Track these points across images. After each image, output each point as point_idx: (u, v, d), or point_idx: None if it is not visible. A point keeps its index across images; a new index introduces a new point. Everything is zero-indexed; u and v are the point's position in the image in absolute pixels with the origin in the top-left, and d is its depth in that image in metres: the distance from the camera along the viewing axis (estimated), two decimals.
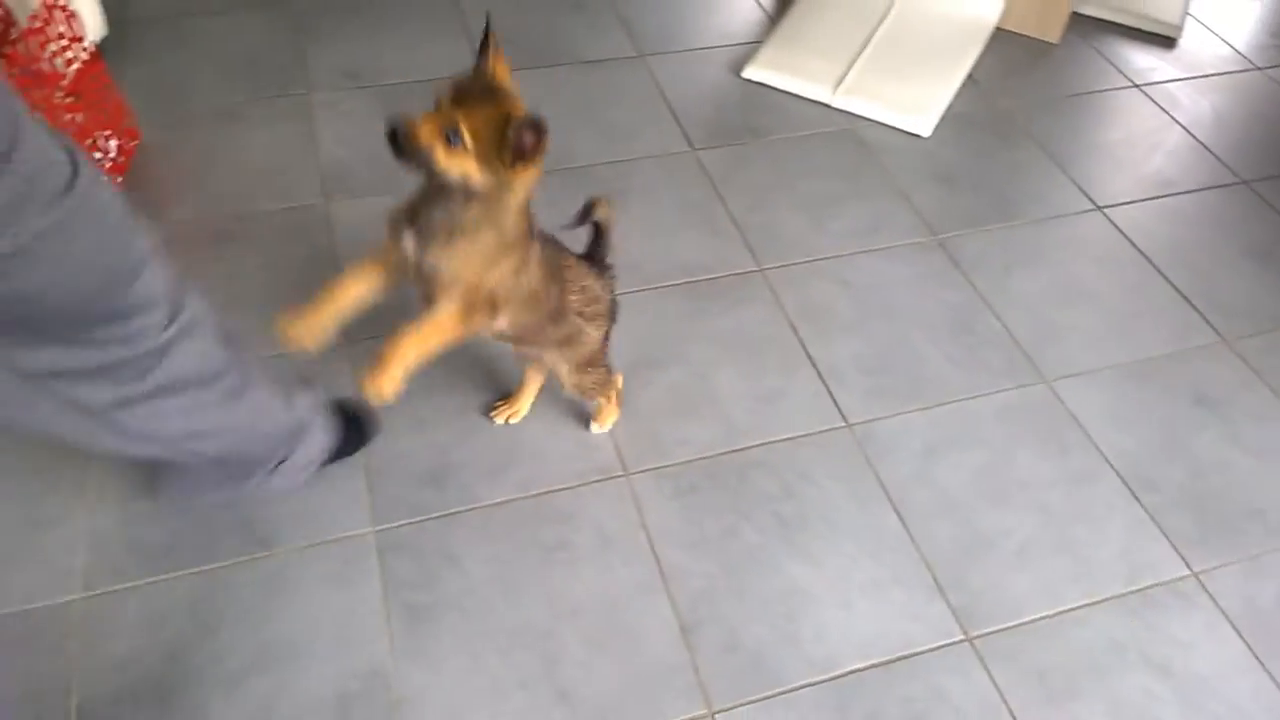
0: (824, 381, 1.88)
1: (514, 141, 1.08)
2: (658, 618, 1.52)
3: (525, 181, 1.16)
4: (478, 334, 1.33)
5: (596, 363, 1.58)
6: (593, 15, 2.74)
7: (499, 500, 1.65)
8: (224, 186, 2.17)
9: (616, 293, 1.57)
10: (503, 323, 1.32)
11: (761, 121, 2.45)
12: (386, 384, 1.23)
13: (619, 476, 1.70)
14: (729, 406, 1.82)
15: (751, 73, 2.56)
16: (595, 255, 1.51)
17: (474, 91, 1.10)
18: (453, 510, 1.63)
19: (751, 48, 2.65)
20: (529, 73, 2.51)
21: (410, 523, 1.61)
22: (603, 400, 1.69)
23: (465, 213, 1.17)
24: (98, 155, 2.06)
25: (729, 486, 1.70)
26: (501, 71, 1.15)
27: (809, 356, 1.92)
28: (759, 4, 2.84)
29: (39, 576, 1.50)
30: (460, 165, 1.10)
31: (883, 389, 1.87)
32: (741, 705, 1.44)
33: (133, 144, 2.21)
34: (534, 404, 1.77)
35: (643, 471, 1.71)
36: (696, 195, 2.25)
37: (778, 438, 1.78)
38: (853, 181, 2.31)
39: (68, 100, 1.96)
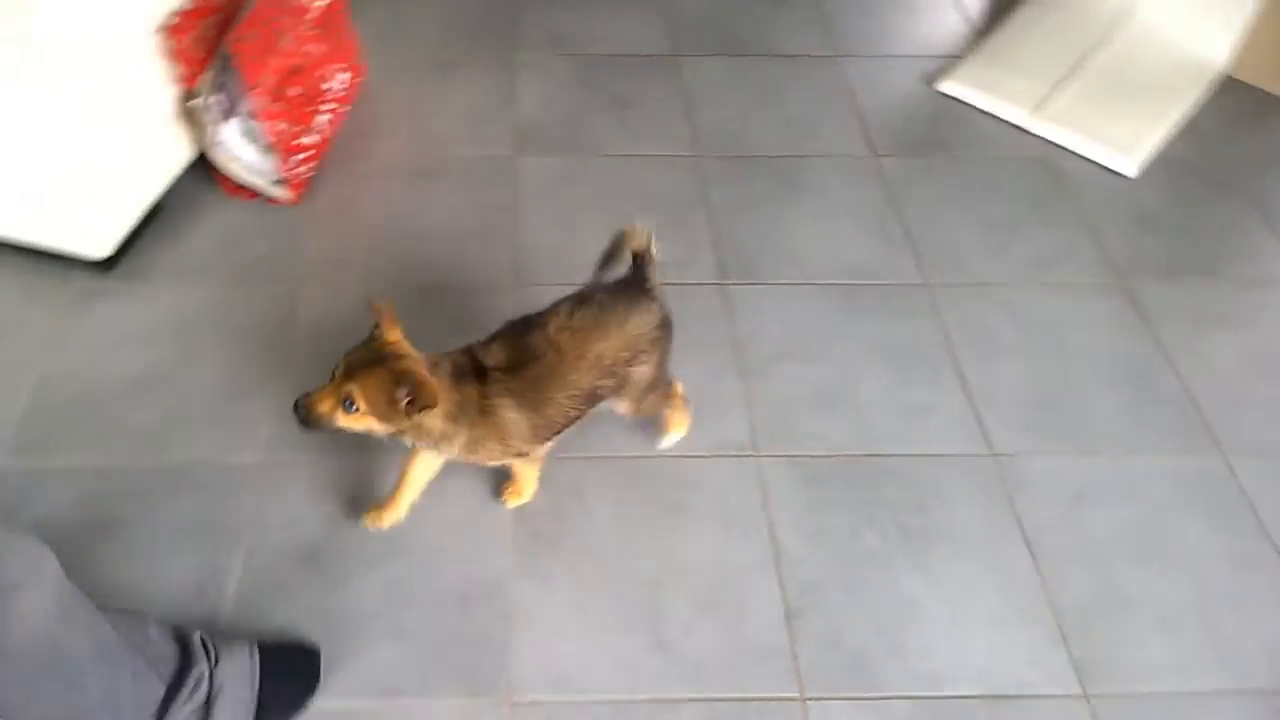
0: (974, 406, 1.83)
1: (403, 398, 1.24)
2: (764, 597, 1.54)
3: (433, 416, 1.30)
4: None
5: (655, 388, 1.53)
6: (793, 10, 2.75)
7: (633, 454, 1.71)
8: (430, 128, 2.33)
9: (666, 310, 1.48)
10: (526, 448, 1.46)
11: (951, 136, 2.41)
12: (525, 494, 1.58)
13: (749, 456, 1.73)
14: (870, 411, 1.81)
15: (948, 86, 2.51)
16: (637, 280, 1.44)
17: (363, 360, 1.25)
18: (588, 455, 1.70)
19: (950, 61, 2.59)
20: (718, 59, 2.56)
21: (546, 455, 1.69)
22: (668, 412, 1.66)
23: (412, 439, 1.35)
24: (327, 86, 2.25)
25: (858, 488, 1.69)
26: (392, 335, 1.29)
27: (962, 378, 1.88)
28: (966, 19, 2.78)
29: (229, 437, 1.69)
30: (361, 424, 1.27)
31: (1037, 425, 1.81)
32: (835, 700, 1.44)
33: (359, 80, 2.40)
34: (678, 372, 1.82)
35: (774, 456, 1.73)
36: (870, 200, 2.23)
37: (916, 452, 1.75)
38: (1040, 210, 2.23)
39: (313, 32, 2.15)
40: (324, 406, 1.24)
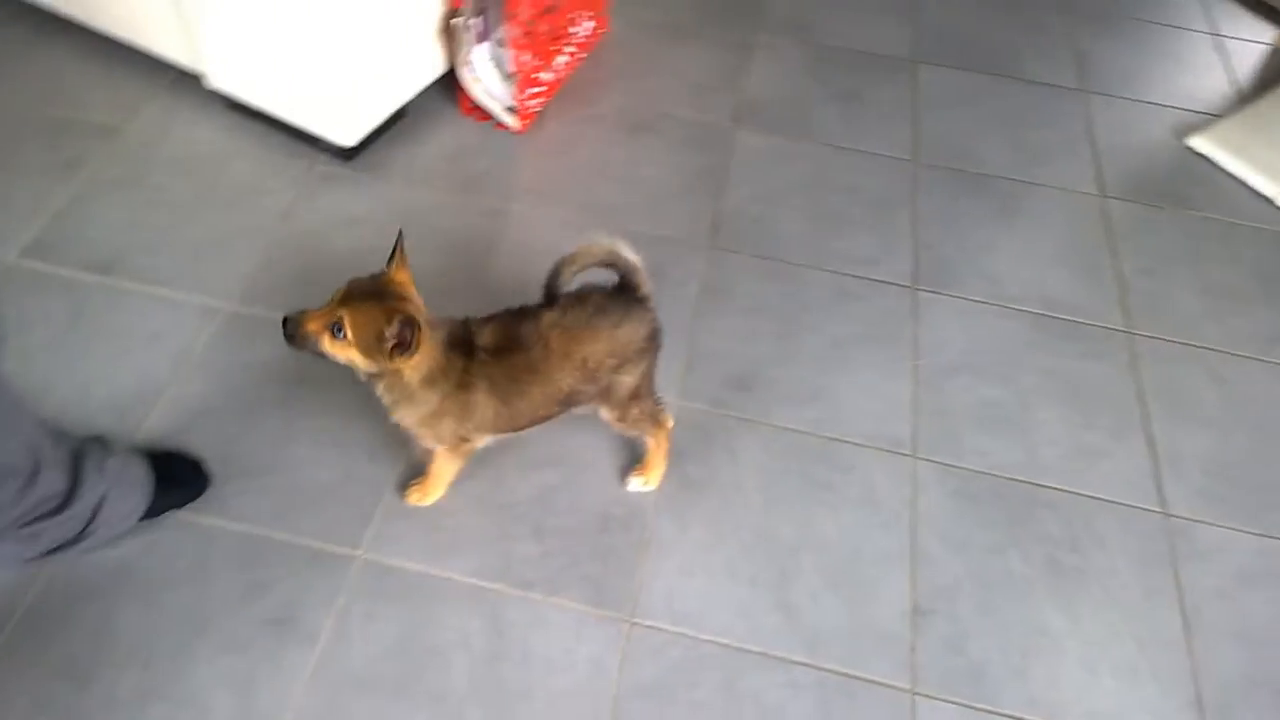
0: (1155, 462, 1.74)
1: (390, 337, 1.19)
2: (894, 589, 1.53)
3: (413, 366, 1.26)
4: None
5: (639, 399, 1.45)
6: (1048, 38, 2.67)
7: (791, 426, 1.73)
8: (655, 87, 2.41)
9: (656, 323, 1.41)
10: (487, 440, 1.45)
11: (1190, 193, 2.28)
12: (430, 497, 1.54)
13: (906, 455, 1.71)
14: (1040, 441, 1.75)
15: (1199, 143, 2.38)
16: (629, 288, 1.37)
17: (363, 292, 1.22)
18: (748, 417, 1.73)
19: (1206, 119, 2.45)
20: (957, 72, 2.52)
21: (708, 410, 1.73)
22: (651, 441, 1.55)
23: (384, 389, 1.30)
24: (573, 30, 2.38)
25: (1012, 511, 1.65)
26: (401, 277, 1.26)
27: (1148, 432, 1.79)
28: (1232, 80, 2.61)
29: None
30: (344, 353, 1.23)
31: (1220, 496, 1.70)
32: (945, 701, 1.41)
33: (601, 31, 2.52)
34: (852, 363, 1.83)
35: (931, 461, 1.70)
36: (1087, 238, 2.15)
37: (1081, 491, 1.69)
38: (1270, 287, 2.09)
39: None
40: (312, 326, 1.21)
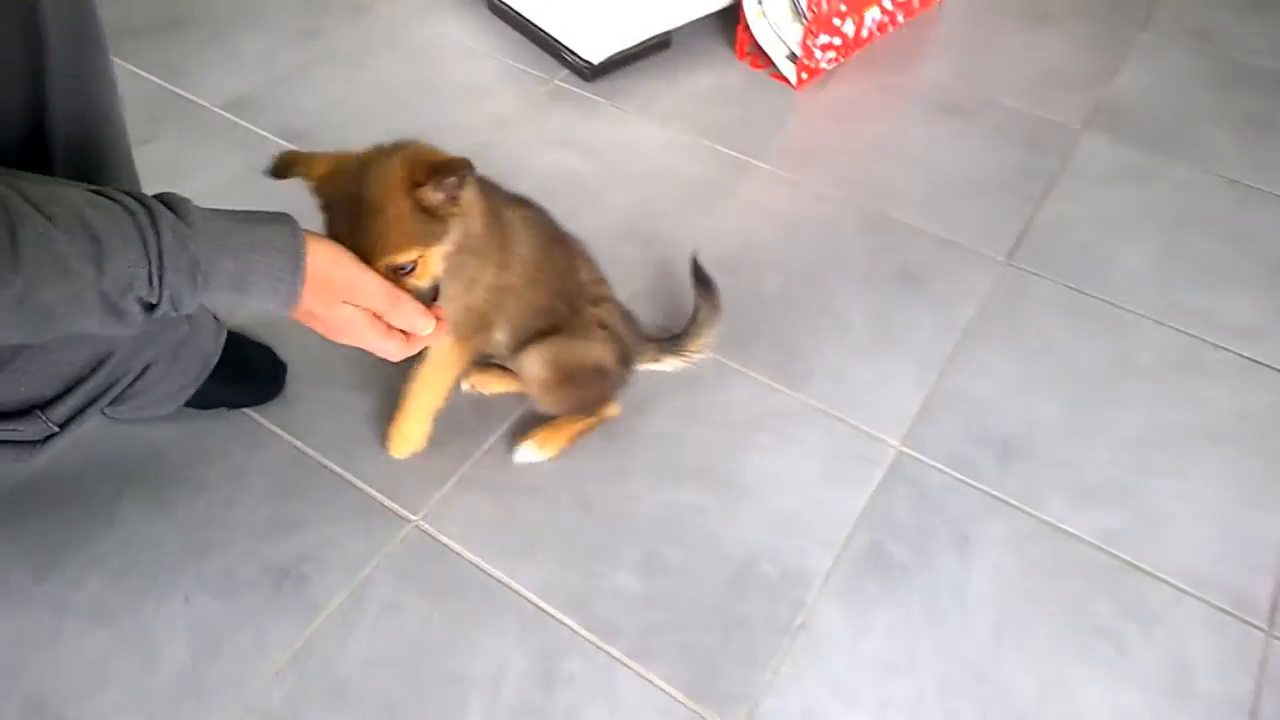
0: None
1: (439, 204, 0.87)
2: None
3: (465, 207, 0.92)
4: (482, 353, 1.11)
5: (590, 380, 1.13)
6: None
7: (1069, 529, 1.13)
8: (984, 69, 1.88)
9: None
10: (501, 335, 1.10)
11: None
12: (412, 438, 1.15)
13: (1258, 628, 1.05)
14: None
15: None
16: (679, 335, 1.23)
17: (362, 210, 0.85)
18: (1001, 495, 1.16)
19: None
20: (1140, 153, 1.73)
21: (941, 470, 1.19)
22: (570, 418, 1.18)
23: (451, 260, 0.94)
24: None
25: None
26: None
27: None
28: None
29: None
30: (428, 272, 0.90)
31: None
32: None
33: (934, 1, 2.03)
34: (1188, 464, 1.19)
35: None
36: None
37: None
38: None
39: None
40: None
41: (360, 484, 1.14)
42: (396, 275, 0.88)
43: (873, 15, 1.89)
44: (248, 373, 1.22)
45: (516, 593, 1.05)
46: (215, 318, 1.18)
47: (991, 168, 1.66)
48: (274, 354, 1.26)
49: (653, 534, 1.11)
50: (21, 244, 0.66)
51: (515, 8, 1.87)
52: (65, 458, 1.14)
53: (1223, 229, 1.55)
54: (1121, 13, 2.05)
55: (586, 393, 1.15)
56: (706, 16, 1.85)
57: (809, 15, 1.73)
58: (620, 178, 1.59)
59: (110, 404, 1.11)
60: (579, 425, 1.19)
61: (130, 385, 1.09)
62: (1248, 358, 1.34)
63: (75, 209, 0.70)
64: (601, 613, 1.04)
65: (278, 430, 1.19)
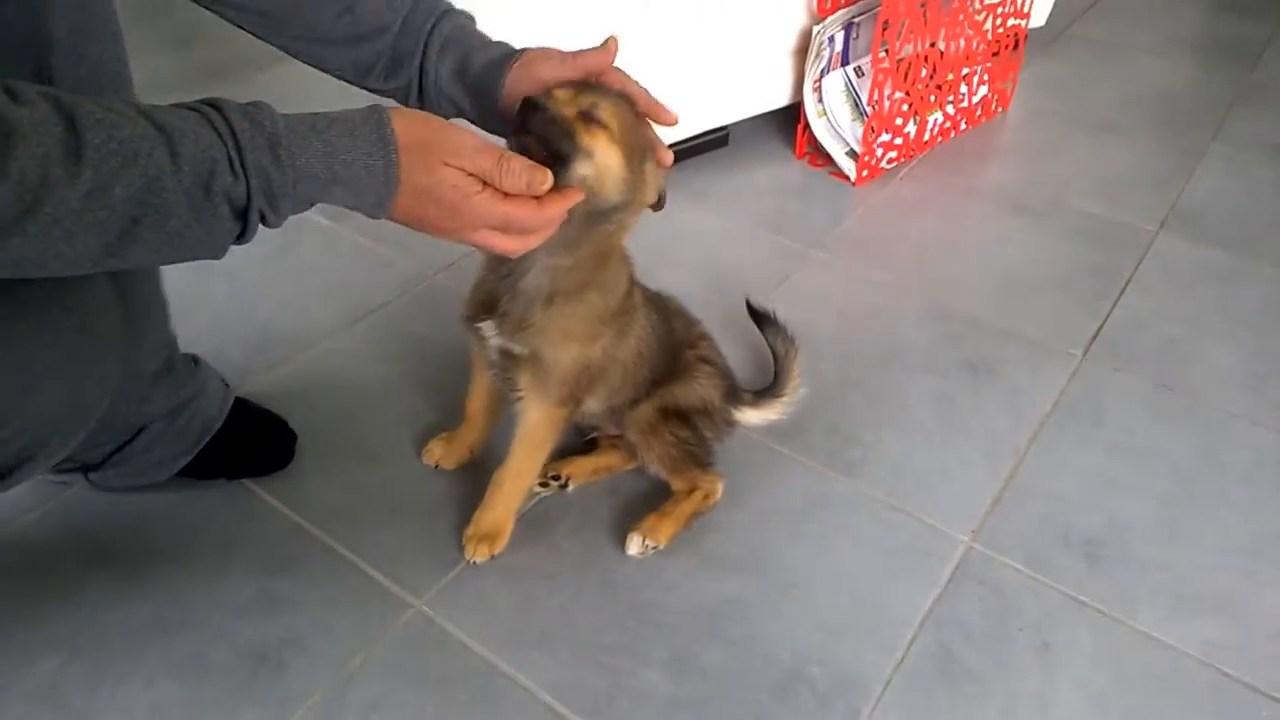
0: None
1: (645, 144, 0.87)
2: None
3: (657, 183, 0.90)
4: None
5: (694, 418, 1.08)
6: None
7: (1165, 639, 1.00)
8: (1056, 173, 1.84)
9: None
10: (594, 404, 1.04)
11: None
12: (496, 536, 1.04)
13: None
14: None
15: None
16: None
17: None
18: (1086, 600, 1.03)
19: None
20: (1222, 254, 1.62)
21: (1018, 571, 1.06)
22: (680, 487, 1.09)
23: (563, 268, 0.91)
24: (963, 91, 1.90)
25: None
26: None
27: None
28: None
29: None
30: (602, 145, 0.83)
31: None
32: None
33: (996, 110, 2.01)
34: None
35: None
36: None
37: None
38: None
39: (977, 38, 1.82)
40: (567, 110, 0.83)
41: (361, 564, 1.05)
42: (588, 119, 0.83)
43: (935, 119, 1.88)
44: (254, 441, 1.14)
45: (524, 688, 0.94)
46: (224, 382, 1.13)
47: (1061, 265, 1.59)
48: (284, 423, 1.18)
49: (687, 629, 1.00)
50: (84, 129, 0.59)
51: None
52: (34, 524, 1.07)
53: None
54: (1192, 125, 2.01)
55: (691, 434, 1.07)
56: (765, 117, 1.85)
57: (869, 111, 1.72)
58: (669, 262, 1.56)
59: (96, 469, 1.05)
60: (688, 507, 1.08)
61: (119, 449, 1.03)
62: None
63: (130, 107, 0.63)
64: (623, 717, 0.92)
65: (275, 502, 1.12)
